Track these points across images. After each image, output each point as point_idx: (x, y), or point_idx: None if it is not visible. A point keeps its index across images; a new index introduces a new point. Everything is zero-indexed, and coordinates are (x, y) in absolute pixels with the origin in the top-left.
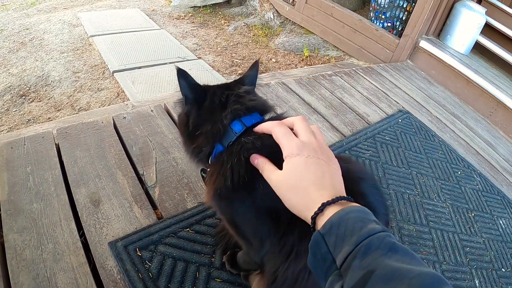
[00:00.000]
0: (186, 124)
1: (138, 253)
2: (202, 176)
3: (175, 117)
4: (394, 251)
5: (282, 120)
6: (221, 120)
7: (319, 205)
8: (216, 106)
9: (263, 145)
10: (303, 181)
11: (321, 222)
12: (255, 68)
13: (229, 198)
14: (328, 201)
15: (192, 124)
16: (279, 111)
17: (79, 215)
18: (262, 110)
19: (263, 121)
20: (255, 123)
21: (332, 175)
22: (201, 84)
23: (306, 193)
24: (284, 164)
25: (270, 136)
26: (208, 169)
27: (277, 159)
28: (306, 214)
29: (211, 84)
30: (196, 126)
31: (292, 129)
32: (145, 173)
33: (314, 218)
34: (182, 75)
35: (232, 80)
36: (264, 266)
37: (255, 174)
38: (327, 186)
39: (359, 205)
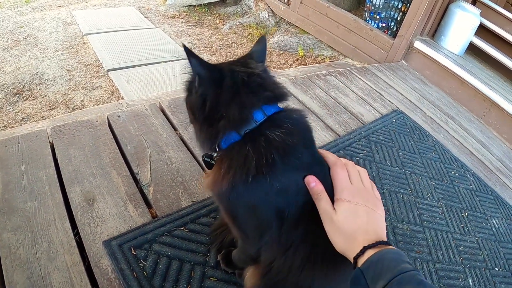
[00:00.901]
0: (202, 107)
1: (133, 252)
2: (206, 162)
3: (170, 115)
4: (423, 286)
5: (339, 159)
6: (252, 105)
7: (361, 248)
8: (240, 86)
9: (290, 146)
10: (351, 226)
11: (361, 260)
12: (262, 43)
13: (242, 193)
14: (369, 244)
15: (209, 106)
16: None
17: (74, 214)
18: (281, 98)
19: (281, 111)
20: (274, 112)
21: (376, 221)
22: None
23: (353, 238)
24: (335, 205)
25: (295, 134)
26: (218, 157)
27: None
28: (349, 254)
29: None
30: (214, 108)
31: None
32: (139, 172)
33: (356, 258)
34: (191, 53)
35: (242, 56)
36: (259, 258)
37: (276, 174)
38: (370, 232)
39: (395, 248)
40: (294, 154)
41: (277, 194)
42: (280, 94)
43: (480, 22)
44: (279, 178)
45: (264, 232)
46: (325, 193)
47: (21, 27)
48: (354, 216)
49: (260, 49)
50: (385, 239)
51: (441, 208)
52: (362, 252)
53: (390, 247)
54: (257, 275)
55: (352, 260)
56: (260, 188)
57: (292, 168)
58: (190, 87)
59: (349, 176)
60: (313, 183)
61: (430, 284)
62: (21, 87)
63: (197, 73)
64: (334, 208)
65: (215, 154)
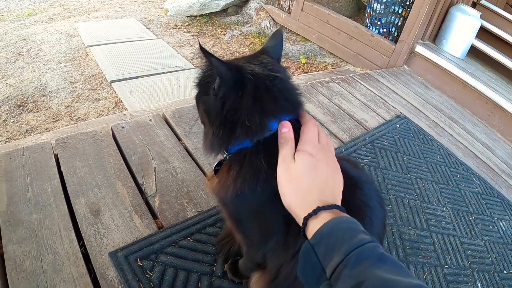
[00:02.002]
0: (220, 111)
1: (139, 263)
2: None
3: (174, 126)
4: (383, 262)
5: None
6: (272, 114)
7: (315, 207)
8: (262, 91)
9: None
10: (308, 180)
11: (313, 224)
12: (278, 38)
13: (248, 199)
14: (324, 206)
15: (228, 109)
16: None
17: (79, 226)
18: (298, 107)
19: (294, 120)
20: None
21: (334, 184)
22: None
23: (307, 192)
24: (296, 155)
25: None
26: (227, 161)
27: None
28: (298, 211)
29: None
30: (233, 112)
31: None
32: (144, 183)
33: (307, 219)
34: (209, 53)
35: (258, 52)
36: (264, 264)
37: None
38: (327, 192)
39: (349, 216)
40: None
41: None
42: (297, 103)
43: (481, 25)
44: None
45: (270, 237)
46: (293, 143)
47: (24, 39)
48: (313, 170)
49: (276, 45)
50: (340, 205)
51: (447, 212)
52: (315, 212)
53: (345, 214)
54: (263, 281)
55: (301, 221)
56: (267, 195)
57: None
58: (203, 85)
59: (318, 135)
60: (286, 128)
61: (391, 257)
62: (25, 99)
63: (220, 74)
64: (294, 158)
65: (226, 158)
